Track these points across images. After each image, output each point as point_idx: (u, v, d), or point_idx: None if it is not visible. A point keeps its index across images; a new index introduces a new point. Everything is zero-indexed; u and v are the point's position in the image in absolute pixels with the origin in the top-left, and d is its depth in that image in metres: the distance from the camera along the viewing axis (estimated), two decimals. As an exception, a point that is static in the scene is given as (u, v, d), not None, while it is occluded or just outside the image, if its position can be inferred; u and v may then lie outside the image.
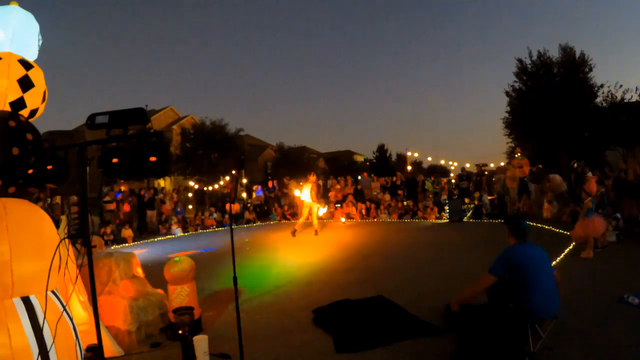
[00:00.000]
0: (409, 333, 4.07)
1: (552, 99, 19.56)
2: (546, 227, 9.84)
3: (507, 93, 22.75)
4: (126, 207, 14.45)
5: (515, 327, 3.55)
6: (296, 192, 12.51)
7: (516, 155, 13.27)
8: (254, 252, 9.23)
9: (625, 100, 19.66)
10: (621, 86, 19.88)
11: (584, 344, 3.60)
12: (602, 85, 20.36)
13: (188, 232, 14.40)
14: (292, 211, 15.73)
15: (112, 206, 14.12)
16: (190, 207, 16.99)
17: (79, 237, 2.55)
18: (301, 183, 12.37)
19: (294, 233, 10.87)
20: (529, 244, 3.69)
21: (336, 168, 33.87)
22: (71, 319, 2.71)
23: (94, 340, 2.49)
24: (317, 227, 11.25)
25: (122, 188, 15.17)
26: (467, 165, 19.29)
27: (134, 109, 2.48)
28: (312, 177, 11.52)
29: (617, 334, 3.76)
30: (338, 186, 16.70)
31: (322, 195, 17.35)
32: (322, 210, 12.21)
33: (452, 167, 39.81)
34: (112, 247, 11.03)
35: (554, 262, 6.40)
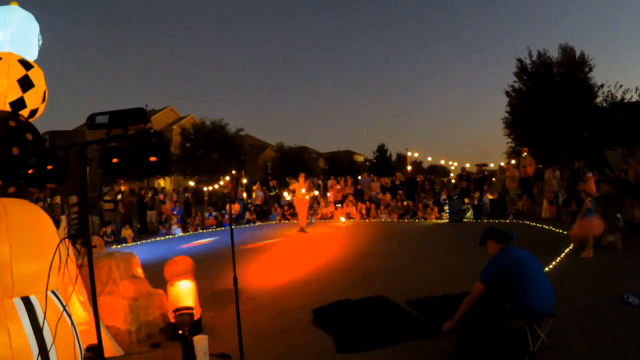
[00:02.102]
0: (410, 333, 4.06)
1: (552, 99, 19.56)
2: (546, 227, 9.84)
3: (507, 93, 22.77)
4: (121, 208, 14.42)
5: (514, 327, 3.57)
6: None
7: (523, 155, 13.25)
8: (254, 252, 9.22)
9: (625, 100, 19.65)
10: (621, 86, 19.89)
11: (584, 344, 3.60)
12: (602, 85, 20.37)
13: (188, 232, 14.41)
14: (292, 211, 15.73)
15: (111, 205, 14.13)
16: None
17: (79, 237, 2.54)
18: (297, 184, 12.49)
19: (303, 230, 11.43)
20: (514, 248, 3.81)
21: (336, 168, 33.84)
22: (71, 319, 2.71)
23: (94, 340, 2.49)
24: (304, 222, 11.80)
25: (122, 188, 15.18)
26: (467, 165, 19.30)
27: (134, 109, 2.48)
28: (301, 178, 12.01)
29: (617, 334, 3.75)
30: (338, 186, 16.71)
31: (322, 195, 17.42)
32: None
33: (452, 167, 39.75)
34: (112, 247, 11.03)
35: (553, 262, 6.40)
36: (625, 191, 9.10)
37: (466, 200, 14.24)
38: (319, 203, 16.16)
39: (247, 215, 16.06)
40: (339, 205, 15.32)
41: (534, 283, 3.51)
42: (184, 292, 4.67)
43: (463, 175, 15.37)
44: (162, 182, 28.39)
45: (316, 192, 13.47)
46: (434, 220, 13.41)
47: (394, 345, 3.87)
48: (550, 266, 6.18)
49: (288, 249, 9.50)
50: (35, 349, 2.36)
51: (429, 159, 41.66)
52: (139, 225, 14.65)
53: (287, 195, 13.61)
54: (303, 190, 11.79)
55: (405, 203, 15.16)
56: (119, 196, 14.75)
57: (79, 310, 3.76)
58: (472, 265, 6.52)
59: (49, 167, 2.65)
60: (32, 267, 2.52)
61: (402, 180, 16.96)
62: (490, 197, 13.70)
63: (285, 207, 16.28)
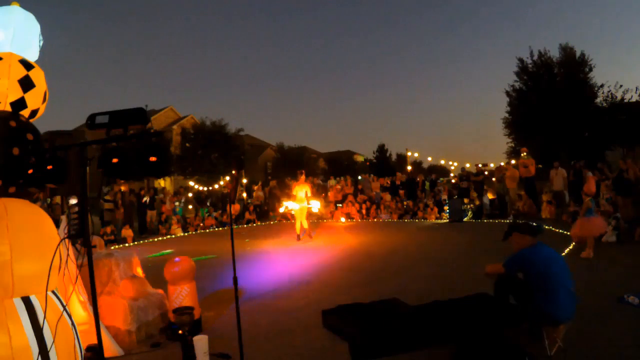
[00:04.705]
0: (428, 339, 3.85)
1: (552, 99, 19.59)
2: (546, 227, 9.84)
3: (507, 93, 22.80)
4: (121, 210, 14.34)
5: (530, 330, 3.54)
6: (290, 205, 11.15)
7: (522, 155, 13.25)
8: (254, 252, 9.23)
9: (625, 100, 19.70)
10: (621, 86, 19.96)
11: (584, 343, 3.60)
12: (602, 85, 20.43)
13: (188, 232, 14.41)
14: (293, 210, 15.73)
15: (111, 205, 14.12)
16: (190, 207, 16.97)
17: (79, 237, 2.54)
18: (294, 184, 11.85)
19: (310, 235, 10.51)
20: (544, 245, 3.59)
21: (336, 168, 33.86)
22: (71, 319, 2.71)
23: (94, 340, 2.49)
24: (308, 228, 10.57)
25: (122, 188, 15.16)
26: (467, 165, 19.32)
27: (134, 109, 2.48)
28: (302, 177, 10.86)
29: (617, 334, 3.76)
30: (338, 186, 16.71)
31: (322, 195, 17.35)
32: (317, 205, 11.23)
33: (452, 167, 39.78)
34: (112, 247, 11.04)
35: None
36: (625, 191, 9.10)
37: (466, 201, 14.25)
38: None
39: (247, 215, 16.06)
40: (339, 205, 15.32)
41: (560, 286, 3.33)
42: (184, 292, 4.67)
43: (463, 175, 15.38)
44: (162, 182, 28.39)
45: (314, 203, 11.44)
46: (434, 220, 13.42)
47: (411, 352, 3.73)
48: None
49: (288, 249, 9.49)
50: (35, 349, 2.37)
51: (429, 159, 41.74)
52: (139, 226, 14.64)
53: (287, 204, 11.54)
54: (301, 194, 10.49)
55: (405, 203, 15.17)
56: (118, 195, 14.73)
57: (79, 310, 3.76)
58: (472, 265, 6.55)
59: (49, 167, 2.65)
60: (33, 267, 2.52)
61: (402, 180, 16.98)
62: (490, 197, 13.71)
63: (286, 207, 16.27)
